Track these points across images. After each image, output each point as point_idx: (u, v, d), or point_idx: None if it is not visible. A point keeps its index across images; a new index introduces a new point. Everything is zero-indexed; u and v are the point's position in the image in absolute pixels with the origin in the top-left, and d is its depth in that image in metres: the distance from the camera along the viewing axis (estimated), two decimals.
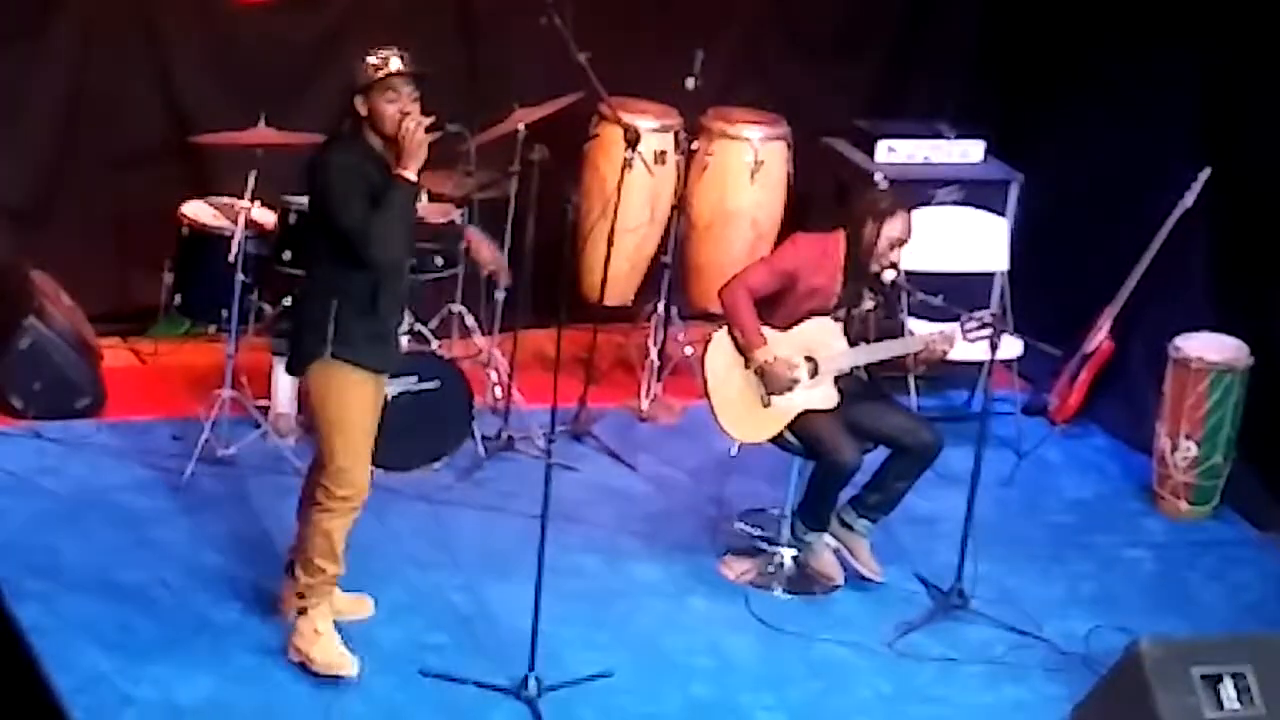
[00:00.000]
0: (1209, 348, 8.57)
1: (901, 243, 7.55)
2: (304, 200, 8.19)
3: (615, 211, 8.75)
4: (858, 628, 7.55)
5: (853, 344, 7.59)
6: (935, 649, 7.45)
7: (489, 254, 8.63)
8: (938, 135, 9.55)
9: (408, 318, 7.80)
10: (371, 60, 6.57)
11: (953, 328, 7.47)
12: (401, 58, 6.57)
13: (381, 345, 6.70)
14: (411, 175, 6.50)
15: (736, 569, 7.85)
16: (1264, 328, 8.58)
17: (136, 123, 8.98)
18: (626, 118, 8.77)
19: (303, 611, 6.85)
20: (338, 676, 6.79)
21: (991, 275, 9.29)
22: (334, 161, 6.60)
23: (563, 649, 7.05)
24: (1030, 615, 7.69)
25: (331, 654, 6.83)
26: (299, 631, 6.85)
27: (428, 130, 6.51)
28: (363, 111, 6.55)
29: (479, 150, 8.53)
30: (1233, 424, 8.55)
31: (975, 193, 9.40)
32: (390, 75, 6.52)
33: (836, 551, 7.78)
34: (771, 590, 7.75)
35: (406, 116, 6.49)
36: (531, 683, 6.78)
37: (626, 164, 8.63)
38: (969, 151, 9.57)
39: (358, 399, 6.66)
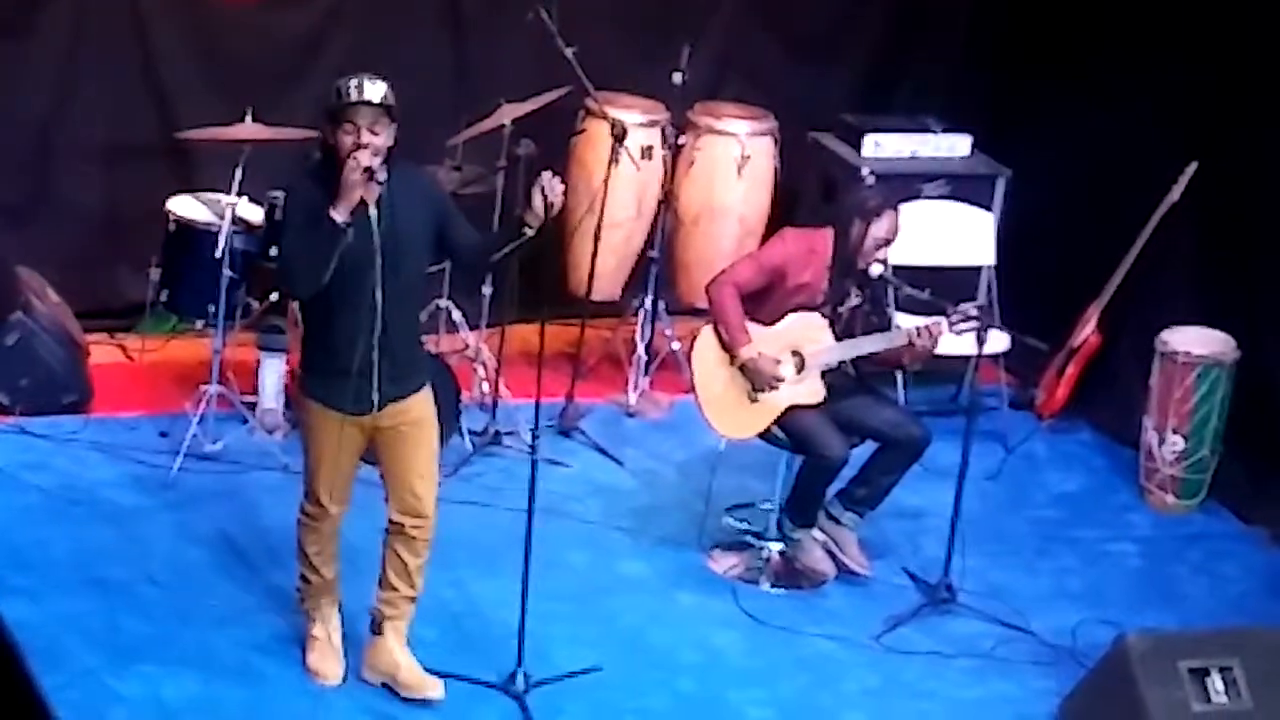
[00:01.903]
0: (1196, 341, 8.58)
1: (889, 241, 7.55)
2: None
3: (602, 206, 8.75)
4: (845, 622, 7.56)
5: (839, 339, 7.59)
6: (923, 643, 7.46)
7: None
8: (925, 130, 9.55)
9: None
10: (337, 85, 6.37)
11: (939, 320, 7.47)
12: (372, 86, 6.32)
13: (344, 382, 6.43)
14: (338, 216, 6.21)
15: (724, 564, 7.85)
16: (1250, 321, 8.59)
17: (123, 118, 8.96)
18: (613, 112, 8.76)
19: (309, 612, 6.85)
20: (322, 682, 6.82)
21: (978, 270, 9.30)
22: (290, 185, 6.58)
23: (551, 644, 7.04)
24: (1018, 609, 7.69)
25: (317, 660, 6.83)
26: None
27: (367, 174, 6.22)
28: (328, 139, 6.36)
29: (466, 145, 8.53)
30: (1219, 417, 8.56)
31: (962, 187, 9.40)
32: (350, 105, 6.31)
33: (824, 545, 7.78)
34: (759, 585, 7.75)
35: (355, 151, 6.25)
36: (519, 678, 6.78)
37: (613, 159, 8.63)
38: (956, 146, 9.57)
39: (322, 435, 6.55)
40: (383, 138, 6.32)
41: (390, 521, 6.69)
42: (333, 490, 6.64)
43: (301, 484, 6.73)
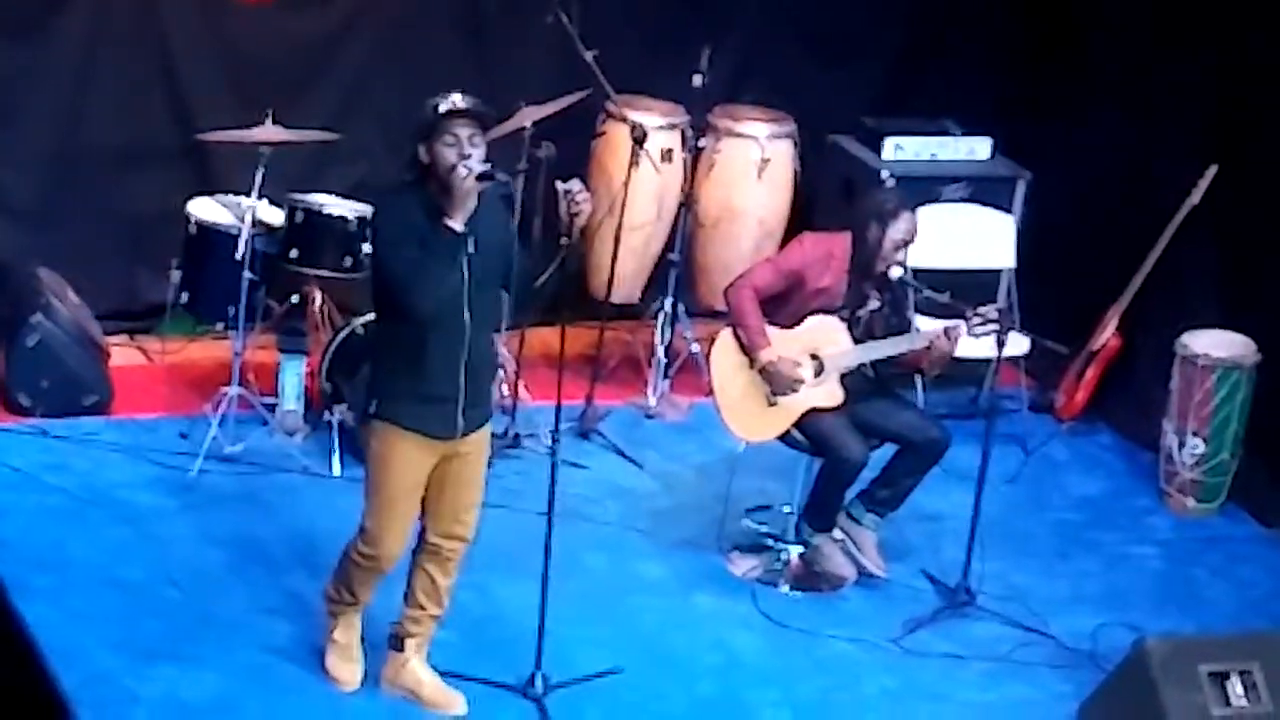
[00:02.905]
0: (1216, 344, 8.57)
1: (906, 243, 7.55)
2: (311, 198, 8.24)
3: (622, 209, 8.76)
4: (864, 624, 7.56)
5: (858, 343, 7.59)
6: (942, 646, 7.45)
7: None
8: (945, 133, 9.55)
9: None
10: (431, 102, 6.30)
11: (958, 324, 7.47)
12: (462, 98, 6.30)
13: (431, 407, 6.35)
14: (456, 225, 6.18)
15: (743, 566, 7.85)
16: (1271, 324, 8.58)
17: (143, 121, 8.98)
18: (633, 115, 8.77)
19: (333, 616, 6.83)
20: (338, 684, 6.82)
21: (998, 273, 9.29)
22: (384, 209, 6.49)
23: (570, 647, 7.04)
24: (1037, 612, 7.68)
25: (335, 664, 6.83)
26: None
27: (479, 178, 6.21)
28: (424, 159, 6.26)
29: (486, 148, 8.52)
30: (1239, 421, 8.55)
31: (982, 190, 9.39)
32: (449, 115, 6.25)
33: (842, 544, 7.78)
34: (778, 587, 7.75)
35: (461, 161, 6.21)
36: (538, 680, 6.78)
37: (633, 161, 8.63)
38: (976, 149, 9.57)
39: (400, 463, 6.42)
40: (480, 150, 6.29)
41: (427, 542, 6.63)
42: (398, 528, 6.51)
43: (363, 517, 6.55)
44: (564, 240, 6.37)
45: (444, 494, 6.55)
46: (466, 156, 6.23)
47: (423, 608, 6.71)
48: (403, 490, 6.46)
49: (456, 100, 6.30)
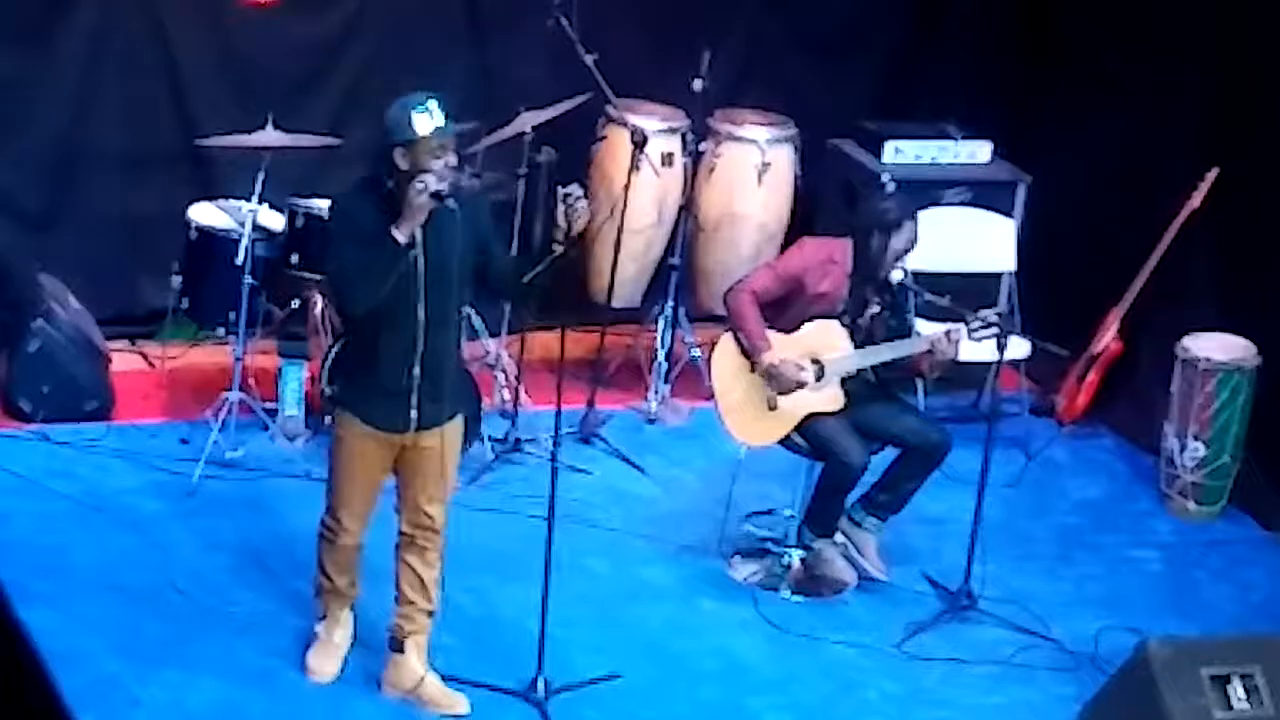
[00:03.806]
0: (1217, 348, 8.57)
1: (908, 252, 7.56)
2: (312, 203, 8.24)
3: (623, 213, 8.76)
4: (866, 629, 7.55)
5: (859, 348, 7.59)
6: (944, 650, 7.45)
7: None
8: (945, 136, 9.54)
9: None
10: (406, 106, 6.28)
11: (958, 328, 7.47)
12: (437, 109, 6.27)
13: (383, 401, 6.46)
14: (401, 236, 6.22)
15: (744, 570, 7.85)
16: (1271, 327, 8.57)
17: (144, 125, 8.98)
18: (633, 119, 8.77)
19: (321, 607, 6.88)
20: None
21: (999, 276, 9.29)
22: (339, 205, 6.57)
23: (571, 651, 7.05)
24: (1038, 616, 7.68)
25: (312, 656, 6.87)
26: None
27: (433, 196, 6.21)
28: (403, 165, 6.27)
29: (486, 153, 8.53)
30: (1240, 424, 8.55)
31: (983, 193, 9.39)
32: (418, 125, 6.24)
33: (843, 549, 7.78)
34: (779, 592, 7.75)
35: (420, 174, 6.22)
36: (540, 685, 6.78)
37: (633, 166, 8.63)
38: (976, 152, 9.56)
39: (353, 450, 6.57)
40: (446, 163, 6.31)
41: (401, 532, 6.70)
42: (354, 508, 6.65)
43: (324, 495, 6.73)
44: (555, 246, 6.39)
45: (410, 485, 6.64)
46: (427, 171, 6.25)
47: (412, 602, 6.74)
48: (356, 474, 6.60)
49: (428, 116, 6.27)
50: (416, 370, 6.41)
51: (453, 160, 6.36)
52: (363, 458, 6.58)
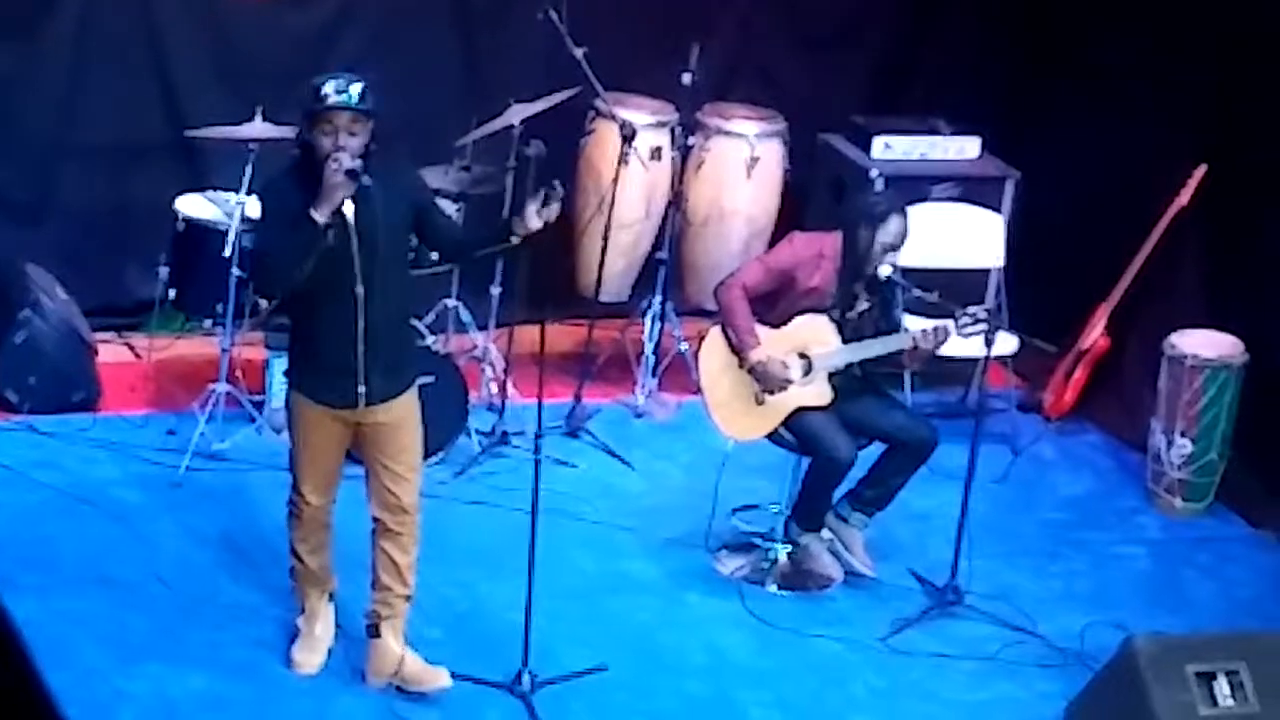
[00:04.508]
0: (1204, 344, 8.57)
1: (896, 246, 7.55)
2: None
3: (611, 207, 8.75)
4: (852, 623, 7.56)
5: (847, 342, 7.58)
6: (930, 645, 7.45)
7: None
8: (934, 132, 9.54)
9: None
10: (315, 85, 6.31)
11: (946, 323, 7.47)
12: (350, 86, 6.28)
13: (326, 378, 6.48)
14: (319, 217, 6.19)
15: (731, 565, 7.85)
16: (1258, 324, 8.58)
17: (132, 117, 8.97)
18: (622, 113, 8.77)
19: (300, 597, 6.91)
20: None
21: (987, 272, 9.29)
22: (266, 186, 6.61)
23: (557, 644, 7.05)
24: (1025, 612, 7.68)
25: (296, 649, 6.88)
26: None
27: (348, 174, 6.20)
28: (312, 139, 6.32)
29: (475, 145, 8.53)
30: (1227, 421, 8.55)
31: (971, 189, 9.39)
32: (327, 108, 6.28)
33: (829, 544, 7.78)
34: (765, 586, 7.75)
35: (335, 152, 6.23)
36: (525, 678, 6.78)
37: (622, 160, 8.63)
38: (965, 148, 9.57)
39: (306, 427, 6.61)
40: (360, 138, 6.30)
41: (374, 518, 6.69)
42: (314, 482, 6.67)
43: (288, 469, 6.76)
44: (514, 237, 6.40)
45: (374, 463, 6.64)
46: (341, 148, 6.24)
47: (389, 588, 6.73)
48: (311, 449, 6.63)
49: (340, 89, 6.28)
50: (361, 347, 6.39)
51: (364, 138, 6.29)
52: (317, 433, 6.59)
